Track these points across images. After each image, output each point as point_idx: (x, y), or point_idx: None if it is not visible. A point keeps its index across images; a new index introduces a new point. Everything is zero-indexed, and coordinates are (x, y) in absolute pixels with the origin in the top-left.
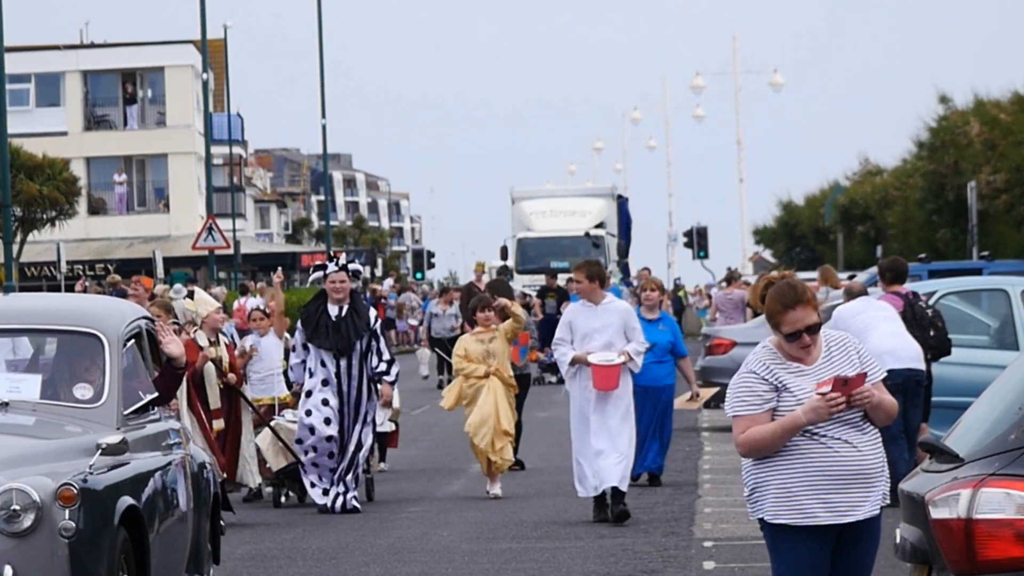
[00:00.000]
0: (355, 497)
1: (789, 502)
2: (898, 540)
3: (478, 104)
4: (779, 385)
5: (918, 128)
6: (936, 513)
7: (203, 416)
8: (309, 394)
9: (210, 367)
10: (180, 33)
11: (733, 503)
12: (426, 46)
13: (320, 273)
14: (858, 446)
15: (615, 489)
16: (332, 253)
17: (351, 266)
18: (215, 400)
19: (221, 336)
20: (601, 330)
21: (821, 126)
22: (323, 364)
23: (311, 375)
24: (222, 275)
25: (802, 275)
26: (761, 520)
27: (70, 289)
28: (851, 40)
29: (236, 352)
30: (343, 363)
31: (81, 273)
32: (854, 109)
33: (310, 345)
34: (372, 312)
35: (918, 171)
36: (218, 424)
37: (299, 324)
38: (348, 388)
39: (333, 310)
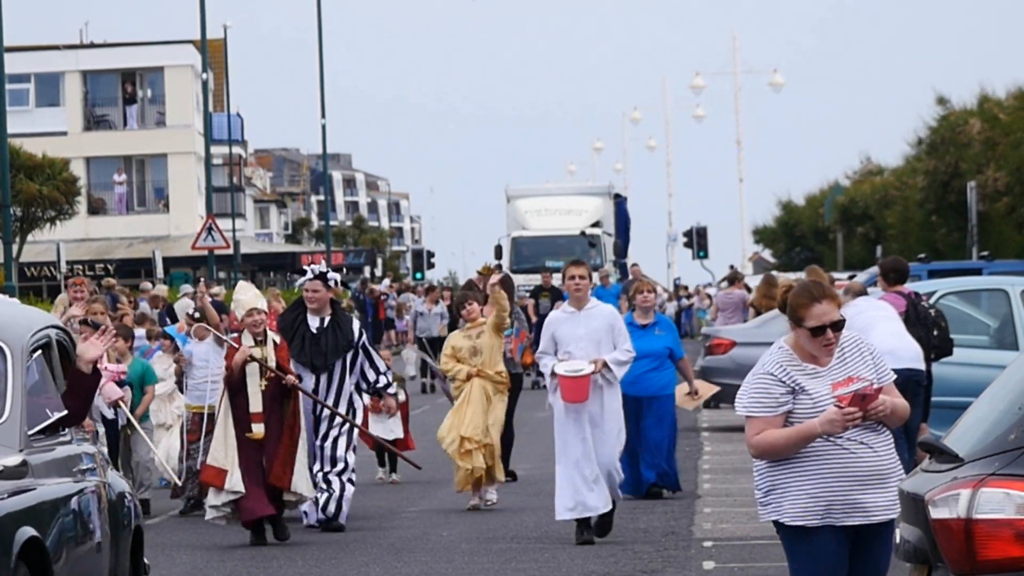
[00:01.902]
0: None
1: (810, 503)
2: (898, 540)
3: (478, 104)
4: (796, 387)
5: (918, 127)
6: (936, 513)
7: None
8: None
9: (253, 367)
10: (180, 33)
11: (733, 503)
12: (426, 46)
13: (301, 280)
14: (874, 447)
15: (601, 515)
16: (311, 261)
17: (329, 275)
18: (256, 404)
19: (270, 335)
20: (586, 338)
21: (821, 126)
22: (300, 380)
23: None
24: (222, 275)
25: (792, 276)
26: (777, 522)
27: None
28: (851, 40)
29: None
30: (323, 379)
31: (81, 273)
32: (854, 109)
33: None
34: (356, 325)
35: (918, 171)
36: (257, 428)
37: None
38: (326, 409)
39: (314, 322)
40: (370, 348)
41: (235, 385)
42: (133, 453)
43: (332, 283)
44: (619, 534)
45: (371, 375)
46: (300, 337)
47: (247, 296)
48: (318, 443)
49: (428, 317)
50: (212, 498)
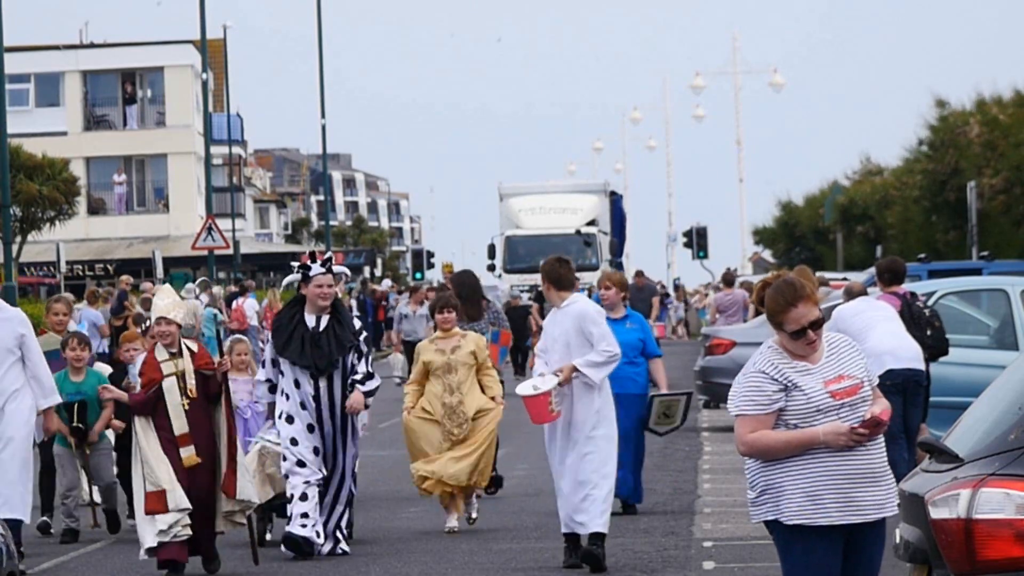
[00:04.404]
0: (344, 540)
1: (807, 503)
2: (898, 540)
3: (478, 104)
4: (789, 384)
5: (918, 128)
6: (936, 513)
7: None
8: (291, 419)
9: (171, 384)
10: (180, 33)
11: (733, 503)
12: (426, 46)
13: (299, 275)
14: (867, 446)
15: (592, 533)
16: (314, 252)
17: (335, 268)
18: (180, 425)
19: (187, 344)
20: (560, 338)
21: (821, 126)
22: (297, 385)
23: (286, 398)
24: (221, 275)
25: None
26: (770, 522)
27: (69, 288)
28: (851, 40)
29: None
30: (323, 384)
31: (81, 273)
32: (854, 109)
33: (282, 361)
34: (358, 323)
35: (916, 171)
36: (187, 452)
37: (270, 336)
38: (331, 415)
39: (311, 320)
40: (364, 348)
41: (149, 407)
42: (97, 477)
43: (341, 278)
44: (619, 534)
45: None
46: (299, 338)
47: (164, 302)
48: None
49: (413, 319)
50: (151, 529)
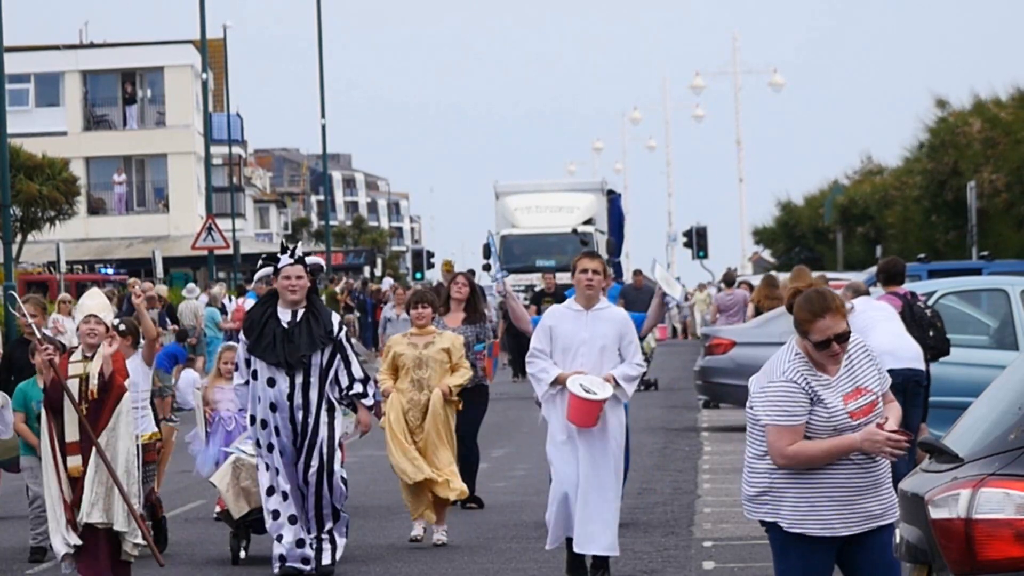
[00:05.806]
0: (330, 552)
1: (809, 512)
2: (898, 540)
3: (478, 104)
4: (814, 396)
5: (918, 128)
6: (936, 513)
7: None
8: (264, 424)
9: (73, 387)
10: (180, 33)
11: (733, 503)
12: (426, 46)
13: (269, 268)
14: (873, 456)
15: (596, 557)
16: (284, 243)
17: (309, 259)
18: (72, 431)
19: (103, 348)
20: (590, 343)
21: (821, 126)
22: (271, 383)
23: (258, 400)
24: (221, 275)
25: (782, 276)
26: (767, 522)
27: (69, 288)
28: (851, 40)
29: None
30: (298, 381)
31: (80, 272)
32: (854, 109)
33: (255, 360)
34: (336, 319)
35: (915, 171)
36: (73, 461)
37: (241, 334)
38: (304, 415)
39: (285, 315)
40: (348, 348)
41: (55, 407)
42: (34, 487)
43: (312, 269)
44: (619, 534)
45: (344, 380)
46: (270, 333)
47: (94, 302)
48: (301, 479)
49: (397, 323)
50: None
